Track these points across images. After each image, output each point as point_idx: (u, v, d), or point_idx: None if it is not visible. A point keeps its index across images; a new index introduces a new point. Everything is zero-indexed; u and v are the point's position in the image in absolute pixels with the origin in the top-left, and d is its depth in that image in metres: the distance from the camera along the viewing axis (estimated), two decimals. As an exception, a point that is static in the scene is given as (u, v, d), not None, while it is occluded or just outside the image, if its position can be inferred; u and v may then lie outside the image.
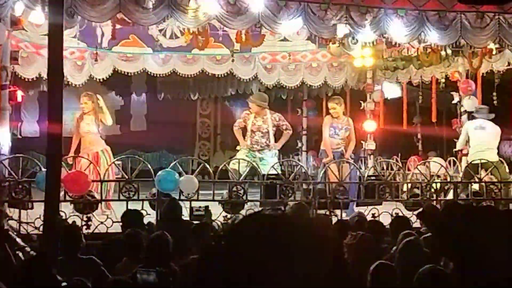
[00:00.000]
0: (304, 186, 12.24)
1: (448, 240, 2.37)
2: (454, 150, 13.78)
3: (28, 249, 6.90)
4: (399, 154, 15.82)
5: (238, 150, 12.95)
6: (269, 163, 12.16)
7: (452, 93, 13.96)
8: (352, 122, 13.13)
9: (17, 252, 6.71)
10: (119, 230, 8.60)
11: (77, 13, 9.97)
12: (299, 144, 19.14)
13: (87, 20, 10.84)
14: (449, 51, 12.86)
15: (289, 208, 9.80)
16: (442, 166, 12.71)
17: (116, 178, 11.50)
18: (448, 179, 12.28)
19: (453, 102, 14.30)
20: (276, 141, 12.85)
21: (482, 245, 2.24)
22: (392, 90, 13.17)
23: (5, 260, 6.31)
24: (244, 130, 12.86)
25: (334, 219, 10.03)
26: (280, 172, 11.65)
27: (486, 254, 2.24)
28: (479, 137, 12.71)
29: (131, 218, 8.64)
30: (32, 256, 6.48)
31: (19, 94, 10.67)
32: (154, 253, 6.44)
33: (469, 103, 13.29)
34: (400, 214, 10.27)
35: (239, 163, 11.57)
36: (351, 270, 1.68)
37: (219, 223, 9.91)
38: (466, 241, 2.30)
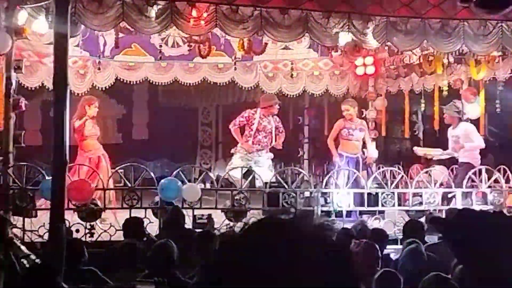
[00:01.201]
0: (306, 194, 12.26)
1: (462, 247, 2.37)
2: (456, 158, 13.78)
3: (32, 257, 6.90)
4: (401, 163, 15.81)
5: (232, 154, 13.00)
6: (264, 166, 12.24)
7: (454, 101, 13.96)
8: (366, 124, 13.24)
9: (21, 260, 6.72)
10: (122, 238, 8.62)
11: (80, 21, 9.99)
12: (301, 153, 19.14)
13: (90, 29, 10.87)
14: (451, 59, 12.87)
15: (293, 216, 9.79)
16: (444, 174, 12.71)
17: (119, 186, 11.51)
18: (452, 187, 12.28)
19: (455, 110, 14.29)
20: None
21: (495, 251, 2.25)
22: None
23: (10, 268, 6.32)
24: (242, 129, 12.91)
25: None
26: (278, 178, 11.67)
27: (499, 260, 2.24)
28: None
29: (132, 226, 8.65)
30: (37, 264, 6.49)
31: (23, 103, 10.68)
32: (158, 261, 6.44)
33: (471, 109, 13.30)
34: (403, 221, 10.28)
35: (241, 170, 11.62)
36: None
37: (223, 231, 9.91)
38: (479, 248, 2.31)
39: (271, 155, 13.07)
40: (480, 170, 12.44)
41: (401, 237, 9.16)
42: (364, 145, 13.54)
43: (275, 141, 13.00)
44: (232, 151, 13.18)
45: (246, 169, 11.82)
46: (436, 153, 13.53)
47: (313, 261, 1.59)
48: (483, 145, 13.07)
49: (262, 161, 12.67)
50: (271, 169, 12.59)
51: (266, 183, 11.44)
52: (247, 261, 1.60)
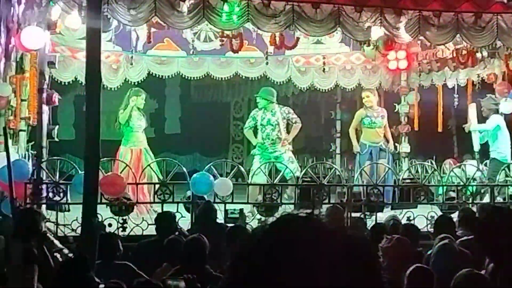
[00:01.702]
0: (338, 189, 12.24)
1: (489, 243, 2.36)
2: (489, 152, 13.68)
3: (66, 251, 6.96)
4: (434, 157, 15.70)
5: (253, 156, 13.02)
6: (285, 161, 12.22)
7: (488, 95, 13.83)
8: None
9: (55, 254, 6.78)
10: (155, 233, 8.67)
11: (113, 17, 10.06)
12: (333, 147, 19.07)
13: (123, 24, 10.93)
14: (485, 53, 12.74)
15: (324, 211, 9.81)
16: (478, 169, 12.61)
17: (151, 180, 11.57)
18: (485, 182, 12.18)
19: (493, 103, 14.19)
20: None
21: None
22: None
23: (44, 262, 6.38)
24: (255, 129, 12.90)
25: (369, 222, 10.02)
26: (310, 172, 11.67)
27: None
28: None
29: (165, 220, 8.67)
30: (71, 258, 6.55)
31: (56, 97, 10.78)
32: (190, 256, 6.46)
33: (505, 105, 13.17)
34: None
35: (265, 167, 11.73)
36: (387, 274, 1.63)
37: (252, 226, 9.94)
38: (506, 244, 2.29)
39: (290, 147, 12.97)
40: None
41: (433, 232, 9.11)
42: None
43: (287, 133, 12.92)
44: (252, 153, 13.24)
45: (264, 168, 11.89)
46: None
47: (332, 258, 1.58)
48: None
49: (280, 156, 12.60)
50: (292, 161, 12.54)
51: (297, 177, 11.43)
52: (269, 257, 1.59)
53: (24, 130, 11.26)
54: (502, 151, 12.87)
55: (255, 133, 12.98)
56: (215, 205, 9.95)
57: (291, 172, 11.77)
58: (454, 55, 13.57)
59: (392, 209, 11.80)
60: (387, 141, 13.41)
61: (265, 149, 12.68)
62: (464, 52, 13.25)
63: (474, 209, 10.46)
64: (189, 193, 10.90)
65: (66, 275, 5.34)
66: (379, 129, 12.83)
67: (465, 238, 7.56)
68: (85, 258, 5.39)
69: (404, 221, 10.02)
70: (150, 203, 11.21)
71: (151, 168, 11.57)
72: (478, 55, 12.98)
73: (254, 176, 11.93)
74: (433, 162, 14.24)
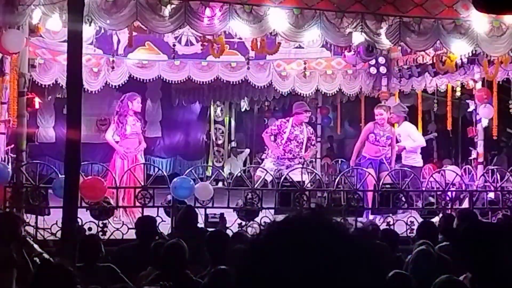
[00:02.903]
0: (319, 194, 12.27)
1: (467, 252, 2.39)
2: (469, 158, 13.79)
3: (45, 255, 6.93)
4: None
5: (262, 159, 13.06)
6: (296, 170, 12.16)
7: (467, 101, 13.94)
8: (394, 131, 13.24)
9: (34, 258, 6.75)
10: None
11: (94, 20, 10.03)
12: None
13: (104, 28, 10.90)
14: (464, 59, 12.84)
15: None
16: (457, 174, 12.69)
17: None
18: (463, 188, 12.27)
19: (469, 110, 14.31)
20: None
21: (500, 259, 2.26)
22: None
23: (23, 266, 6.36)
24: (275, 137, 12.87)
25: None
26: (290, 177, 11.69)
27: (503, 267, 2.25)
28: None
29: (145, 225, 8.66)
30: (50, 262, 6.52)
31: (37, 101, 10.73)
32: (169, 261, 6.46)
33: (484, 111, 13.27)
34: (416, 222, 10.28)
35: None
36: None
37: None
38: (484, 254, 2.32)
39: (302, 160, 13.04)
40: (493, 170, 12.42)
41: (413, 237, 9.16)
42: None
43: (305, 152, 12.94)
44: (263, 156, 13.27)
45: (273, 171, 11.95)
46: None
47: (347, 263, 1.54)
48: (423, 144, 13.73)
49: (293, 166, 12.61)
50: (305, 172, 12.46)
51: (278, 182, 11.45)
52: (280, 260, 1.53)
53: (3, 133, 11.19)
54: (415, 157, 13.46)
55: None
56: (196, 209, 9.95)
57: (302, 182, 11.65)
58: (434, 61, 13.65)
59: (371, 214, 11.85)
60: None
61: (283, 160, 12.72)
62: (444, 58, 13.34)
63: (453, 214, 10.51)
64: (169, 197, 10.89)
65: (45, 280, 5.30)
66: (382, 148, 12.77)
67: (444, 243, 7.62)
68: (63, 263, 5.35)
69: (383, 226, 10.08)
70: (131, 207, 11.15)
71: (131, 171, 11.51)
72: (458, 61, 13.06)
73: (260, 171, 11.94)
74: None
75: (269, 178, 11.73)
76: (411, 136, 13.40)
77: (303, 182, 11.50)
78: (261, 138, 13.33)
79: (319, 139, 18.85)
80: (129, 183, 11.25)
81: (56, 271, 5.27)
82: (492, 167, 12.60)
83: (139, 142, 12.23)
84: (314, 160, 18.64)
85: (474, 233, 2.40)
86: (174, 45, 13.40)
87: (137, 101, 12.29)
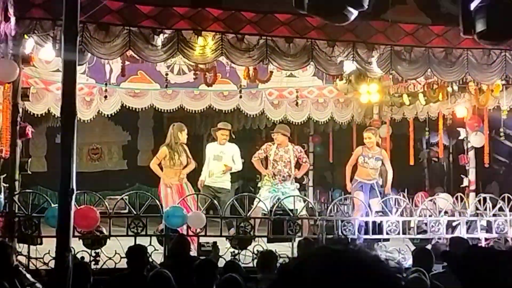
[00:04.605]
0: (311, 221, 12.25)
1: (470, 281, 2.39)
2: (461, 186, 13.82)
3: (38, 285, 6.91)
4: (406, 190, 15.83)
5: (259, 187, 13.15)
6: (295, 202, 12.18)
7: (458, 129, 14.00)
8: (386, 153, 13.33)
9: (27, 287, 6.73)
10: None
11: (87, 50, 10.07)
12: (305, 180, 19.12)
13: (97, 57, 10.93)
14: (455, 87, 12.91)
15: (297, 244, 9.84)
16: (449, 202, 12.72)
17: (123, 213, 11.48)
18: (456, 215, 12.28)
19: (460, 138, 14.37)
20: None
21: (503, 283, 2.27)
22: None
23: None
24: (264, 161, 13.06)
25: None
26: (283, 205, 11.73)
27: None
28: None
29: (136, 254, 8.62)
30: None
31: (29, 130, 10.72)
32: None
33: (476, 139, 13.33)
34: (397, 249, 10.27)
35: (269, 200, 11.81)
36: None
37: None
38: (488, 284, 2.32)
39: (297, 185, 13.26)
40: (484, 198, 12.44)
41: (405, 264, 9.15)
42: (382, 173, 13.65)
43: (296, 171, 13.11)
44: (259, 184, 13.38)
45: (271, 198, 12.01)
46: None
47: None
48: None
49: (289, 192, 12.70)
50: (299, 199, 12.48)
51: (270, 211, 11.45)
52: None
53: (-4, 163, 11.19)
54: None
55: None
56: (188, 238, 9.93)
57: (295, 210, 11.63)
58: (425, 89, 13.73)
59: (364, 241, 11.83)
60: (385, 182, 13.51)
61: (275, 185, 12.84)
62: (435, 86, 13.42)
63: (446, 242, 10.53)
64: (162, 226, 10.87)
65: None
66: (371, 170, 12.91)
67: (437, 271, 7.63)
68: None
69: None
70: (123, 236, 11.09)
71: (124, 200, 11.50)
72: (449, 89, 13.14)
73: (259, 203, 11.95)
74: (405, 195, 14.36)
75: (264, 206, 11.73)
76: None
77: (296, 210, 11.52)
78: (252, 164, 13.43)
79: (311, 168, 18.87)
80: None
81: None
82: (484, 195, 12.61)
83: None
84: (306, 188, 18.67)
85: (477, 257, 2.41)
86: (167, 74, 13.46)
87: (185, 132, 12.60)
